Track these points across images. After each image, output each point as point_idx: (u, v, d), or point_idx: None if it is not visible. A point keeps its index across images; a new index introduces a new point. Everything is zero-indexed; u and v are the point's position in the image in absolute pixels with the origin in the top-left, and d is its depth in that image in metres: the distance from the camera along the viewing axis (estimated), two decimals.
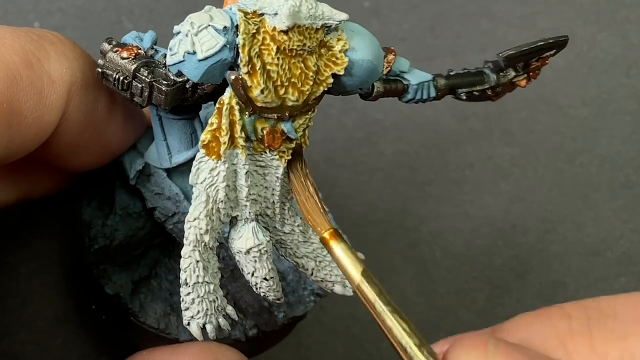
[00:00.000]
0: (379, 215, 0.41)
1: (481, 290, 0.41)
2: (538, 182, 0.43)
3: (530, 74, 0.30)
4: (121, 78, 0.24)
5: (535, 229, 0.42)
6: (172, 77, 0.24)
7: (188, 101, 0.25)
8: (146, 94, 0.24)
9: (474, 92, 0.29)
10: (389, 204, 0.41)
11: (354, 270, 0.24)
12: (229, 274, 0.31)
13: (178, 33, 0.24)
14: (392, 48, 0.27)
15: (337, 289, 0.29)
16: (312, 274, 0.28)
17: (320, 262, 0.28)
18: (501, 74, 0.29)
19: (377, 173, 0.41)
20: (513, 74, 0.29)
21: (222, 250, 0.30)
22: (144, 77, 0.24)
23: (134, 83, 0.24)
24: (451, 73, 0.29)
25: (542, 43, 0.29)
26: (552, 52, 0.29)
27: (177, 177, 0.29)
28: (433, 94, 0.28)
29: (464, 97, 0.29)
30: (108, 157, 0.29)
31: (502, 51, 0.29)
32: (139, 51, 0.25)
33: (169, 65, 0.24)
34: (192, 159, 0.28)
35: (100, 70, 0.24)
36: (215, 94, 0.25)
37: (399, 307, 0.23)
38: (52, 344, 0.35)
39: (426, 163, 0.42)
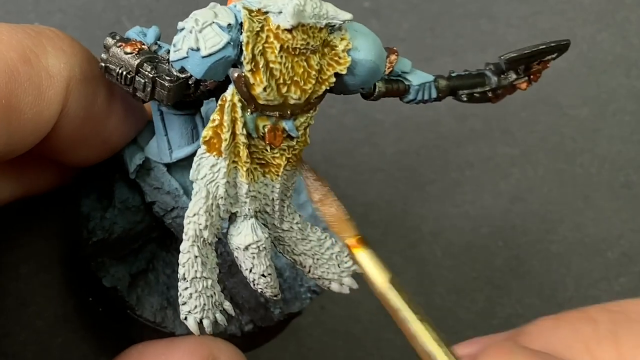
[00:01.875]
0: (379, 215, 0.41)
1: (481, 290, 0.41)
2: (538, 182, 0.43)
3: (531, 76, 0.30)
4: (124, 73, 0.24)
5: (535, 229, 0.42)
6: (175, 73, 0.24)
7: (190, 97, 0.25)
8: (149, 89, 0.24)
9: (475, 94, 0.29)
10: (389, 204, 0.41)
11: (381, 277, 0.24)
12: (227, 270, 0.31)
13: (182, 29, 0.24)
14: (394, 48, 0.27)
15: (334, 286, 0.29)
16: (309, 271, 0.28)
17: (317, 259, 0.28)
18: (502, 76, 0.29)
19: (377, 173, 0.41)
20: (514, 76, 0.29)
21: (220, 246, 0.30)
22: (147, 73, 0.24)
23: (137, 78, 0.24)
24: (452, 74, 0.29)
25: (544, 46, 0.29)
26: (554, 56, 0.29)
27: (177, 172, 0.29)
28: (434, 95, 0.29)
29: (465, 99, 0.29)
30: (108, 151, 0.29)
31: (503, 53, 0.29)
32: (143, 46, 0.25)
33: (172, 61, 0.24)
34: (193, 154, 0.28)
35: (103, 64, 0.25)
36: (217, 90, 0.25)
37: (426, 314, 0.23)
38: (52, 344, 0.35)
39: (426, 163, 0.42)
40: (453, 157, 0.42)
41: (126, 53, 0.24)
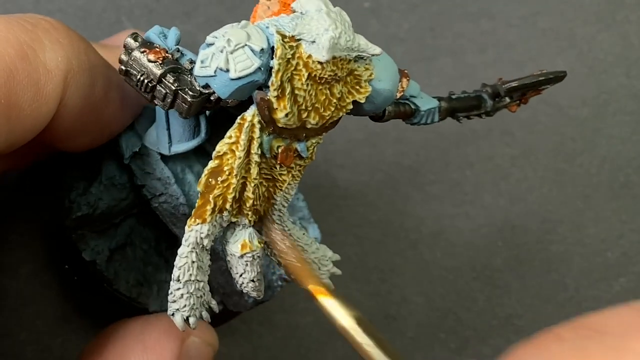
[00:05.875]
0: (379, 215, 0.41)
1: (481, 290, 0.41)
2: (538, 182, 0.43)
3: (522, 99, 0.31)
4: (145, 81, 0.24)
5: (535, 229, 0.42)
6: (198, 88, 0.24)
7: (208, 109, 0.25)
8: (169, 100, 0.24)
9: (470, 117, 0.30)
10: (389, 204, 0.41)
11: (347, 319, 0.24)
12: None
13: (210, 45, 0.23)
14: (405, 71, 0.27)
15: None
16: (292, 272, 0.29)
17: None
18: (497, 99, 0.30)
19: (377, 174, 0.41)
20: (508, 100, 0.30)
21: None
22: (169, 84, 0.24)
23: (158, 88, 0.24)
24: (453, 96, 0.29)
25: (542, 78, 0.30)
26: (549, 85, 0.30)
27: (170, 160, 0.30)
28: (437, 119, 0.29)
29: (461, 121, 0.30)
30: (106, 137, 0.29)
31: (504, 81, 0.30)
32: (167, 55, 0.24)
33: (197, 76, 0.24)
34: (190, 149, 0.28)
35: (123, 68, 0.24)
36: (236, 107, 0.25)
37: (396, 354, 0.23)
38: (52, 344, 0.35)
39: (426, 164, 0.42)
40: (453, 157, 0.42)
41: (150, 61, 0.24)
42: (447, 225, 0.41)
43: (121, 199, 0.31)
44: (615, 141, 0.44)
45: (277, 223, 0.27)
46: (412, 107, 0.28)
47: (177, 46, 0.25)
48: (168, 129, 0.28)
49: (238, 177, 0.25)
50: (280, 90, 0.23)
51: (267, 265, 0.33)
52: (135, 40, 0.24)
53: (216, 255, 0.30)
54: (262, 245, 0.27)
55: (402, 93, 0.27)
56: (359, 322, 0.23)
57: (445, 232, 0.41)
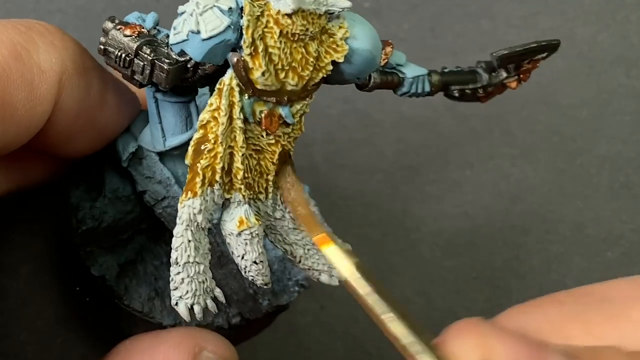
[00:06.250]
0: (379, 215, 0.41)
1: (481, 290, 0.41)
2: (538, 182, 0.43)
3: (521, 76, 0.30)
4: (123, 55, 0.24)
5: (535, 229, 0.42)
6: (174, 56, 0.24)
7: (188, 82, 0.26)
8: (147, 72, 0.24)
9: (466, 91, 0.30)
10: (389, 204, 0.41)
11: (347, 267, 0.24)
12: (216, 261, 0.31)
13: (182, 13, 0.24)
14: (389, 41, 0.28)
15: (324, 278, 0.29)
16: (299, 261, 0.29)
17: (308, 250, 0.28)
18: (493, 74, 0.30)
19: (377, 173, 0.41)
20: (504, 75, 0.30)
21: (210, 237, 0.30)
22: (146, 55, 0.24)
23: (136, 61, 0.24)
24: (445, 70, 0.30)
25: (534, 45, 0.30)
26: (543, 55, 0.30)
27: (169, 161, 0.30)
28: (427, 89, 0.29)
29: (456, 95, 0.30)
30: (103, 141, 0.29)
31: (495, 51, 0.30)
32: (142, 30, 0.25)
33: (171, 44, 0.24)
34: (186, 143, 0.28)
35: (102, 47, 0.25)
36: (215, 76, 0.25)
37: (394, 302, 0.23)
38: (52, 344, 0.35)
39: (426, 163, 0.42)
40: (453, 157, 0.42)
41: (125, 36, 0.25)
42: (447, 225, 0.41)
43: (127, 212, 0.30)
44: (615, 141, 0.44)
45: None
46: (399, 75, 0.28)
47: (156, 26, 0.26)
48: (160, 122, 0.28)
49: (224, 146, 0.25)
50: (253, 48, 0.24)
51: (283, 270, 0.32)
52: (113, 21, 0.25)
53: (226, 259, 0.30)
54: (260, 223, 0.27)
55: (386, 60, 0.28)
56: (358, 267, 0.24)
57: (445, 232, 0.41)
